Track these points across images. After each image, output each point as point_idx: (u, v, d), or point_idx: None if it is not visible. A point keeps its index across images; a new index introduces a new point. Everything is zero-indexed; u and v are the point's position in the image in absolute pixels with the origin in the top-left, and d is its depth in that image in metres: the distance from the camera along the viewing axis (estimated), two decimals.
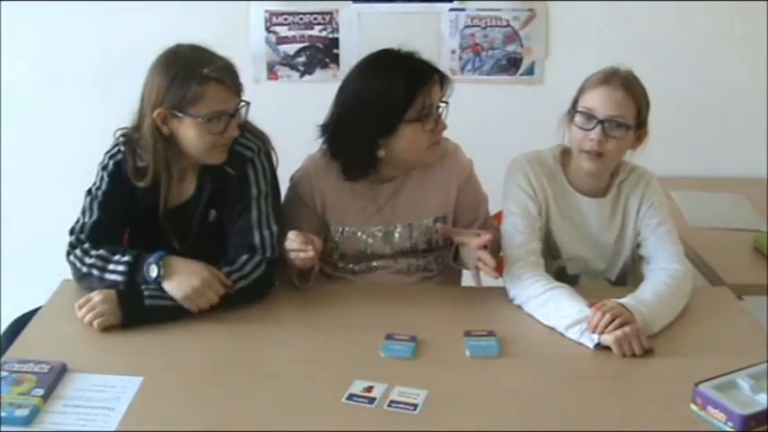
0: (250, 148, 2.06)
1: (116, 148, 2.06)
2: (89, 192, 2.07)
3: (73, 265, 2.00)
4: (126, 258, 1.93)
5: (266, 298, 2.01)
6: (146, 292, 1.88)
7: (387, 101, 2.03)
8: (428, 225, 2.20)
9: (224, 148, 2.00)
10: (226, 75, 1.95)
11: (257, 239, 2.01)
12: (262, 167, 2.07)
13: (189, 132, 1.95)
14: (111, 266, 1.93)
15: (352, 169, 2.14)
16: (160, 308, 1.88)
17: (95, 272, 1.95)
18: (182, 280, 1.88)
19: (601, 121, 2.01)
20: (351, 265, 2.21)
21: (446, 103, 2.09)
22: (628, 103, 2.02)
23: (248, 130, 2.08)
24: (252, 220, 2.02)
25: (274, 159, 2.12)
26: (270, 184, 2.08)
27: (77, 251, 1.99)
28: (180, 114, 1.93)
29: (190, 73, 1.91)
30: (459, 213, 2.24)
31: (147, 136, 1.97)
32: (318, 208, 2.18)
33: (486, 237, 2.00)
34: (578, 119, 2.04)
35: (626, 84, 2.03)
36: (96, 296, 1.87)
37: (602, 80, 2.04)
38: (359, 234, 2.18)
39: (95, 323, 1.85)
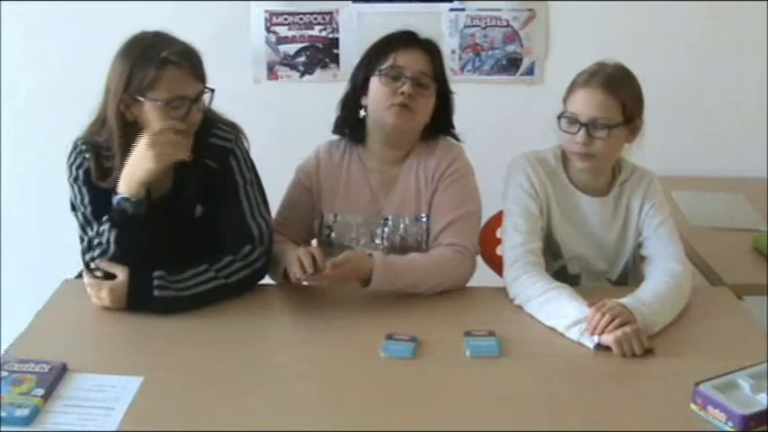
0: (228, 139, 2.05)
1: (79, 158, 2.01)
2: (74, 209, 2.02)
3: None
4: (104, 228, 1.92)
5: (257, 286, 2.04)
6: (155, 282, 1.89)
7: (365, 57, 2.20)
8: (417, 221, 2.20)
9: (187, 134, 1.95)
10: (184, 58, 1.92)
11: (255, 230, 2.02)
12: (242, 156, 2.07)
13: (150, 117, 1.91)
14: (103, 239, 1.92)
15: (344, 128, 2.24)
16: (168, 298, 1.89)
17: (103, 254, 1.93)
18: (141, 158, 1.87)
19: (584, 125, 2.02)
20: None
21: (417, 78, 2.10)
22: (609, 103, 2.02)
23: (219, 120, 2.06)
24: (244, 211, 2.03)
25: (246, 145, 2.11)
26: (252, 171, 2.08)
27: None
28: (141, 99, 1.91)
29: (148, 57, 1.90)
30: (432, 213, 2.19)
31: (112, 123, 1.93)
32: (314, 191, 2.23)
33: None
34: (563, 123, 2.06)
35: (606, 83, 2.03)
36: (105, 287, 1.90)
37: (582, 82, 2.06)
38: (350, 221, 2.21)
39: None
